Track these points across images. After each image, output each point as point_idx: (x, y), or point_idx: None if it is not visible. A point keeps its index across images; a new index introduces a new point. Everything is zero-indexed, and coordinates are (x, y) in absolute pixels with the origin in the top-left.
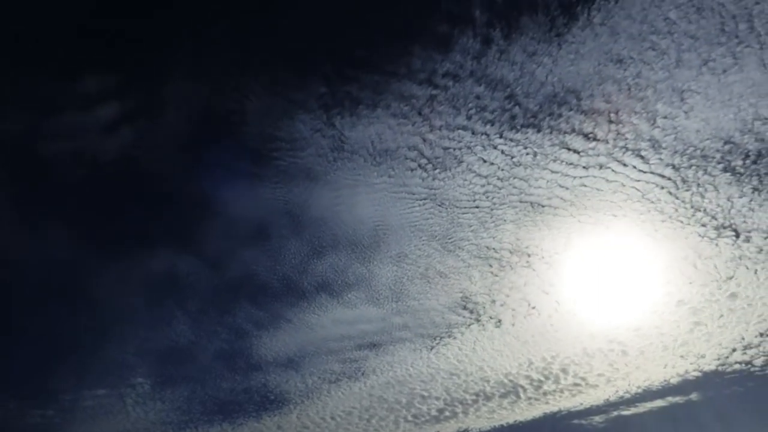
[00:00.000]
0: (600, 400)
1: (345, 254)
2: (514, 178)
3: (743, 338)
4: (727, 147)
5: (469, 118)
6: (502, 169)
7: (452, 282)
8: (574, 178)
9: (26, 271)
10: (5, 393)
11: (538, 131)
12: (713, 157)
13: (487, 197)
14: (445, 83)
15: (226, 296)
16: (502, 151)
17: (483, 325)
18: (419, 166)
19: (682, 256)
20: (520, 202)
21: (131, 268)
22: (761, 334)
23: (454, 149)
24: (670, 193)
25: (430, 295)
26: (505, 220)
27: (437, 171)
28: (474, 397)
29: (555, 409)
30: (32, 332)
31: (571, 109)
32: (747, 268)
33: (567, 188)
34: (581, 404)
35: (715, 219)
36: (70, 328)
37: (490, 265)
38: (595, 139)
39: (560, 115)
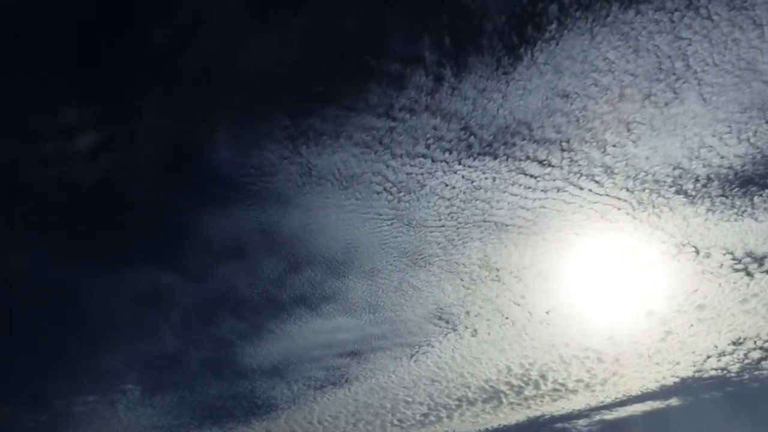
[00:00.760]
0: (582, 405)
1: (320, 270)
2: (477, 200)
3: (716, 346)
4: (677, 172)
5: (428, 147)
6: (464, 192)
7: (426, 294)
8: (534, 200)
9: (19, 288)
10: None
11: (495, 158)
12: (665, 182)
13: (452, 217)
14: (403, 116)
15: (210, 310)
16: (463, 176)
17: (460, 334)
18: (384, 189)
19: (647, 270)
20: (484, 221)
21: (117, 284)
22: (734, 343)
23: (416, 174)
24: (628, 213)
25: (406, 307)
26: (471, 238)
27: (402, 194)
28: (457, 402)
29: (538, 413)
30: (24, 343)
31: (524, 139)
32: (710, 282)
33: (528, 209)
34: (563, 408)
35: (674, 237)
36: (60, 338)
37: (462, 279)
38: (549, 165)
39: (514, 144)
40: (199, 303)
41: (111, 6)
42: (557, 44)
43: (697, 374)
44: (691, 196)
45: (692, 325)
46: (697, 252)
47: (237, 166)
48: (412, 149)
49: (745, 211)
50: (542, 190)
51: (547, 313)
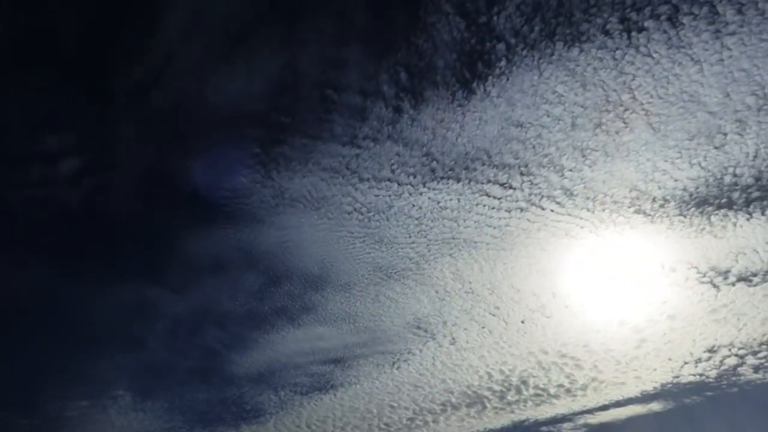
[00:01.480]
0: (565, 409)
1: (299, 284)
2: (444, 219)
3: (692, 354)
4: (634, 194)
5: (393, 171)
6: (432, 212)
7: (403, 305)
8: (500, 218)
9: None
10: None
11: (458, 181)
12: (623, 202)
13: (422, 235)
14: (367, 144)
15: (195, 321)
16: (429, 198)
17: (439, 343)
18: (354, 209)
19: (616, 283)
20: (453, 239)
21: (107, 297)
22: (709, 350)
23: (384, 196)
24: (591, 231)
25: (384, 317)
26: (443, 254)
27: (372, 214)
28: (442, 407)
29: (523, 417)
30: (17, 351)
31: (484, 164)
32: (678, 294)
33: (495, 227)
34: (547, 413)
35: (639, 252)
36: (54, 347)
37: (436, 291)
38: (510, 187)
39: (475, 169)
40: (184, 315)
41: (89, 47)
42: (507, 79)
43: (675, 380)
44: (650, 215)
45: (665, 334)
46: (663, 266)
47: (213, 189)
48: (378, 173)
49: (704, 228)
50: (506, 210)
51: (522, 322)
